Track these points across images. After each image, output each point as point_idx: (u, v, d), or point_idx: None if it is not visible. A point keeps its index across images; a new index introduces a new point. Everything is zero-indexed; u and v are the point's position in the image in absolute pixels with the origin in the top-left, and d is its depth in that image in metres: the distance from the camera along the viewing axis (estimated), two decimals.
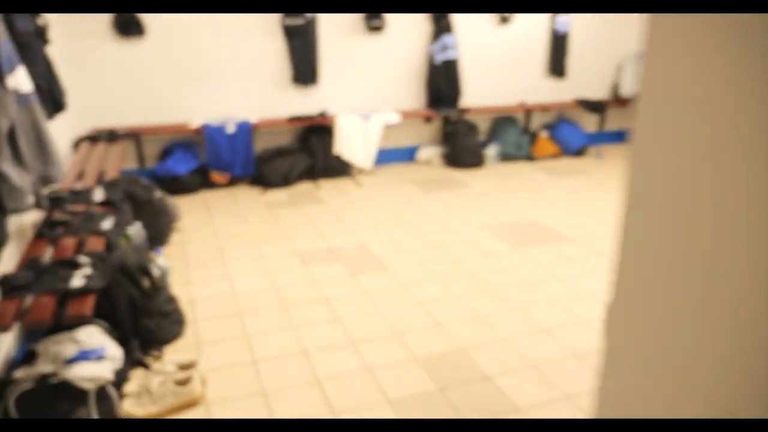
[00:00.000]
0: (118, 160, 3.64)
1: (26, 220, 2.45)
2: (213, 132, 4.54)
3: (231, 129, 4.57)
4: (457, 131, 5.34)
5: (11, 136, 2.15)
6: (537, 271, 3.25)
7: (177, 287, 2.96)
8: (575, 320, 2.73)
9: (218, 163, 4.64)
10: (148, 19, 4.41)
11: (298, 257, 3.40)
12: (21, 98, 2.23)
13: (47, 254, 2.21)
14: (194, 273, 3.18)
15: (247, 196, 4.55)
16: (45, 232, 2.25)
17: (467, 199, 4.48)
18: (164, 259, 2.89)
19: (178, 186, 4.47)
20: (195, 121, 4.65)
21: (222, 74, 4.74)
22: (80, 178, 3.31)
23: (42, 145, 2.32)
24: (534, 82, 5.90)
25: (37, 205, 2.38)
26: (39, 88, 2.70)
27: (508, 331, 2.63)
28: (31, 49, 2.65)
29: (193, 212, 4.14)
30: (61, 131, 3.70)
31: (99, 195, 2.71)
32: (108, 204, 2.64)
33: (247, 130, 4.61)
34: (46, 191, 2.43)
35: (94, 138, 3.98)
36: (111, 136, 4.07)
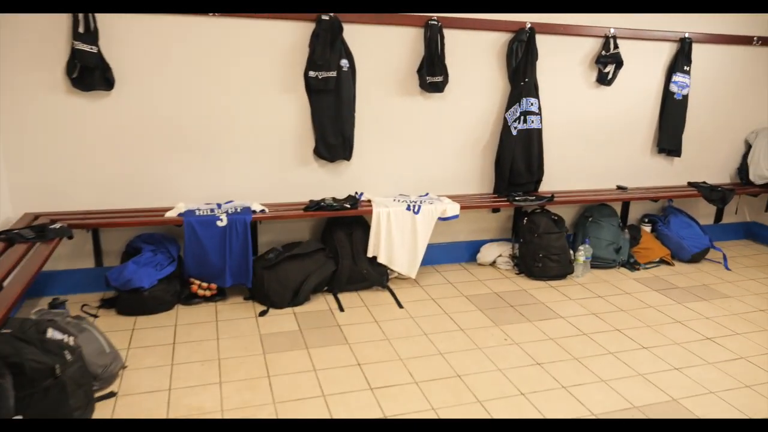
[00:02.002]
0: (28, 274, 2.32)
1: None
2: (196, 225, 3.19)
3: (223, 221, 3.23)
4: (534, 226, 3.88)
5: None
6: None
7: None
8: None
9: (201, 268, 3.28)
10: (121, 68, 3.15)
11: None
12: None
13: None
14: None
15: (236, 320, 3.16)
16: None
17: (560, 341, 2.99)
18: None
19: (138, 303, 3.13)
20: (176, 207, 3.33)
21: (217, 143, 3.43)
22: None
23: None
24: (636, 160, 4.42)
25: None
26: None
27: None
28: None
29: (147, 354, 2.76)
30: None
31: None
32: None
33: (244, 224, 3.25)
34: None
35: (11, 237, 2.67)
36: (40, 232, 2.76)
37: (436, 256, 4.04)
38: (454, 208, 3.63)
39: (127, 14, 3.10)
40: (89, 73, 3.09)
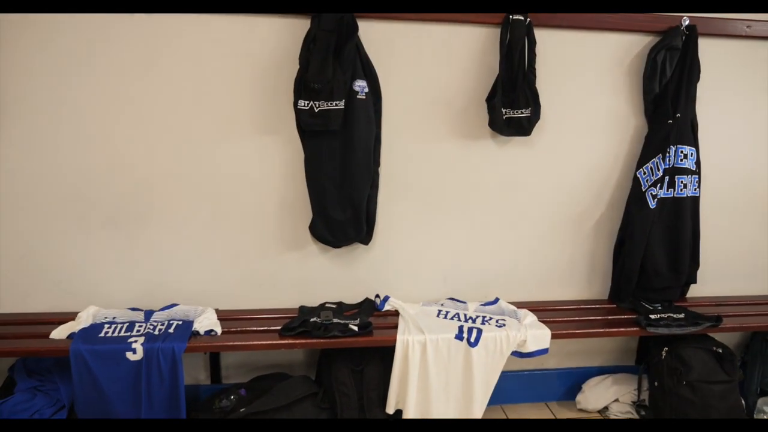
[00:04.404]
0: None
1: None
2: (90, 359, 1.89)
3: (137, 352, 1.91)
4: (683, 365, 2.24)
5: None
6: None
7: None
8: None
9: (101, 416, 1.98)
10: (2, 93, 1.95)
11: None
12: None
13: None
14: None
15: None
16: None
17: None
18: None
19: None
20: (79, 316, 2.06)
21: (152, 215, 2.14)
22: None
23: None
24: None
25: None
26: None
27: None
28: None
29: None
30: None
31: None
32: None
33: (172, 358, 1.92)
34: None
35: None
36: None
37: (509, 390, 2.52)
38: (540, 338, 2.10)
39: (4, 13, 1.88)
40: None
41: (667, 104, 2.20)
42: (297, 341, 2.00)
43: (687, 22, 2.17)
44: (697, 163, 2.29)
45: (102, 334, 1.96)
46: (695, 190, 2.32)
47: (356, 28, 1.99)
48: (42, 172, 2.03)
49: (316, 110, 2.00)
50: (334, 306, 2.24)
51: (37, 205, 2.06)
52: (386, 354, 2.13)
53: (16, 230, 2.07)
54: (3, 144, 1.99)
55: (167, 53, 2.00)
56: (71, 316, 2.06)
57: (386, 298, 2.27)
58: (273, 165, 2.14)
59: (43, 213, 2.07)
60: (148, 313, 2.12)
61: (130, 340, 1.93)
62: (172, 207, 2.13)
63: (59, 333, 1.97)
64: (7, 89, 1.95)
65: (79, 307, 2.12)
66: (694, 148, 2.27)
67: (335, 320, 2.09)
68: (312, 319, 2.09)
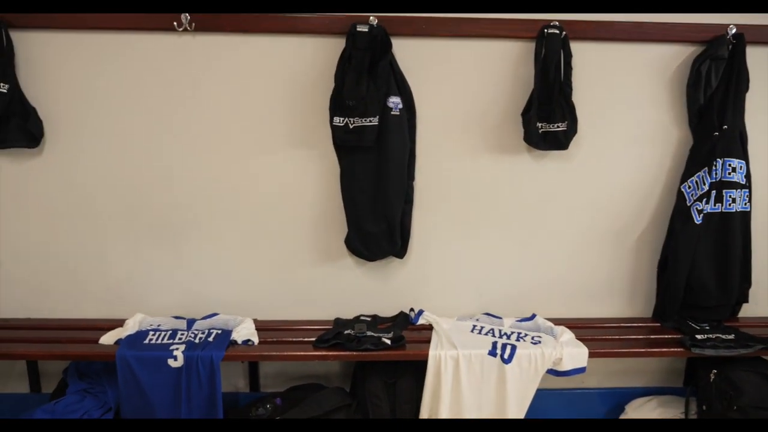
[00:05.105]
0: None
1: None
2: (134, 365, 1.99)
3: (178, 359, 1.99)
4: (733, 389, 2.12)
5: None
6: None
7: None
8: None
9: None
10: (52, 115, 2.10)
11: None
12: None
13: None
14: None
15: None
16: None
17: None
18: None
19: None
20: (126, 323, 2.18)
21: (195, 227, 2.24)
22: None
23: None
24: None
25: None
26: None
27: None
28: None
29: None
30: None
31: None
32: None
33: (210, 366, 1.99)
34: None
35: None
36: None
37: (546, 408, 2.46)
38: (576, 356, 2.05)
39: (60, 34, 2.03)
40: (3, 122, 2.06)
41: (713, 116, 2.13)
42: (330, 353, 2.04)
43: (734, 31, 2.10)
44: (747, 176, 2.19)
45: (146, 341, 2.06)
46: (745, 204, 2.21)
47: (390, 45, 2.03)
48: (93, 187, 2.17)
49: (351, 126, 2.05)
50: (368, 319, 2.27)
51: (89, 218, 2.20)
52: (420, 368, 2.13)
53: (70, 242, 2.22)
54: (57, 160, 2.14)
55: (209, 73, 2.10)
56: (120, 323, 2.18)
57: (420, 312, 2.28)
58: (309, 180, 2.20)
59: (95, 226, 2.20)
60: (191, 322, 2.21)
61: (172, 347, 2.01)
62: (214, 220, 2.22)
63: (107, 339, 2.08)
64: (61, 108, 2.10)
65: (127, 314, 2.23)
66: (743, 161, 2.17)
67: (369, 333, 2.11)
68: (346, 332, 2.12)
